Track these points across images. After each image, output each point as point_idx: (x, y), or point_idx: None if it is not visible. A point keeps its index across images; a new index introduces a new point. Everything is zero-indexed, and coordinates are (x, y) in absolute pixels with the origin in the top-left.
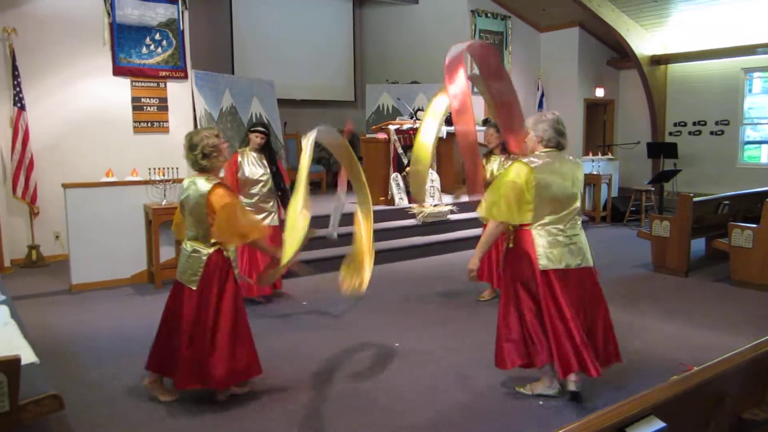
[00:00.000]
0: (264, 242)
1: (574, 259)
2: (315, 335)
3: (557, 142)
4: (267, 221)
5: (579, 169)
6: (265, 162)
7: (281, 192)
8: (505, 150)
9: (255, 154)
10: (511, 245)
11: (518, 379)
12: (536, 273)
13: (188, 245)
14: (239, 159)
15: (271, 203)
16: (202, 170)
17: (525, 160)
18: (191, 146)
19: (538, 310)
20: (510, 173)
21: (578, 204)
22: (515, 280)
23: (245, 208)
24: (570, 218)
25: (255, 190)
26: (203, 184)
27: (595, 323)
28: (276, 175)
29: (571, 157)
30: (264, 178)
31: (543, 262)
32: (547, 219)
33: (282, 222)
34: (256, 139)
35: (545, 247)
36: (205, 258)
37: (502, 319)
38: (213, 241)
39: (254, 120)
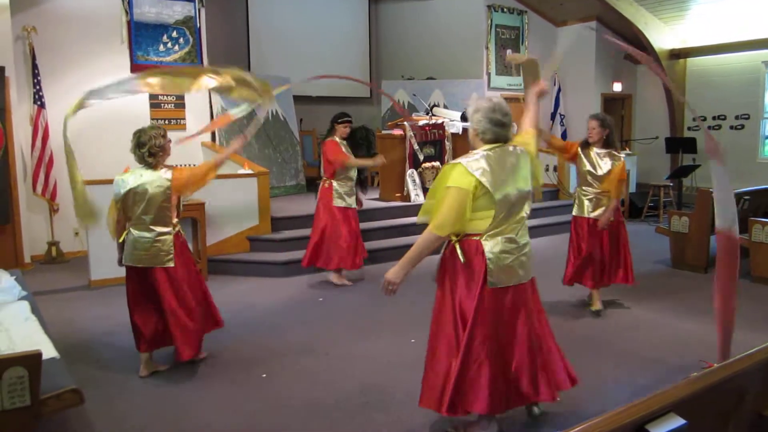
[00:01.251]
0: (219, 162)
1: (526, 273)
2: (330, 330)
3: (496, 135)
4: (354, 204)
5: (526, 161)
6: (350, 151)
7: (361, 180)
8: (607, 144)
9: (344, 143)
10: (462, 259)
11: None
12: (479, 291)
13: (148, 233)
14: (339, 144)
15: (356, 188)
16: (148, 165)
17: (464, 161)
18: (139, 144)
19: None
20: (451, 177)
21: (528, 208)
22: (452, 297)
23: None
24: (522, 224)
25: (350, 174)
26: (159, 176)
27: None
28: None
29: (513, 148)
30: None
31: (492, 279)
32: (497, 227)
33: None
34: (344, 129)
35: (496, 260)
36: (172, 238)
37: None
38: (175, 221)
39: (270, 117)
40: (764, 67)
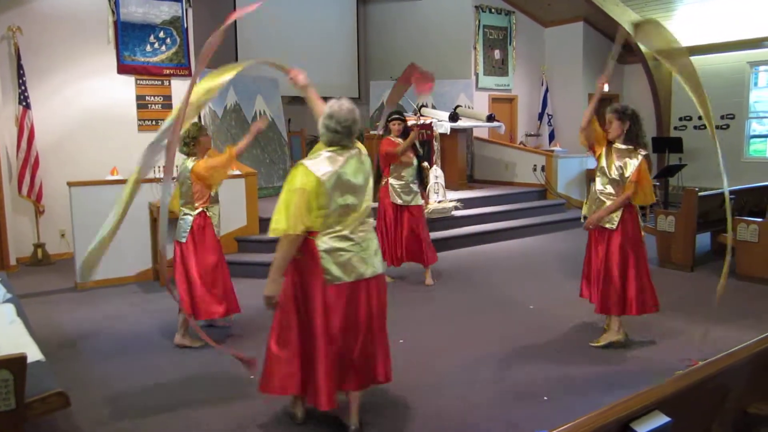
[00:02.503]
0: (241, 148)
1: (367, 269)
2: None
3: (331, 140)
4: (414, 202)
5: (365, 166)
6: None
7: (421, 179)
8: (629, 139)
9: (401, 141)
10: (298, 255)
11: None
12: (319, 287)
13: (180, 212)
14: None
15: (416, 185)
16: (187, 154)
17: (306, 162)
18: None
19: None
20: (295, 178)
21: (369, 204)
22: (294, 293)
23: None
24: (360, 222)
25: (405, 173)
26: (185, 165)
27: (372, 343)
28: (419, 160)
29: (355, 152)
30: (413, 163)
31: (328, 277)
32: (335, 226)
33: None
34: (396, 127)
35: (332, 257)
36: (192, 219)
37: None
38: (197, 205)
39: (258, 118)
40: (749, 68)
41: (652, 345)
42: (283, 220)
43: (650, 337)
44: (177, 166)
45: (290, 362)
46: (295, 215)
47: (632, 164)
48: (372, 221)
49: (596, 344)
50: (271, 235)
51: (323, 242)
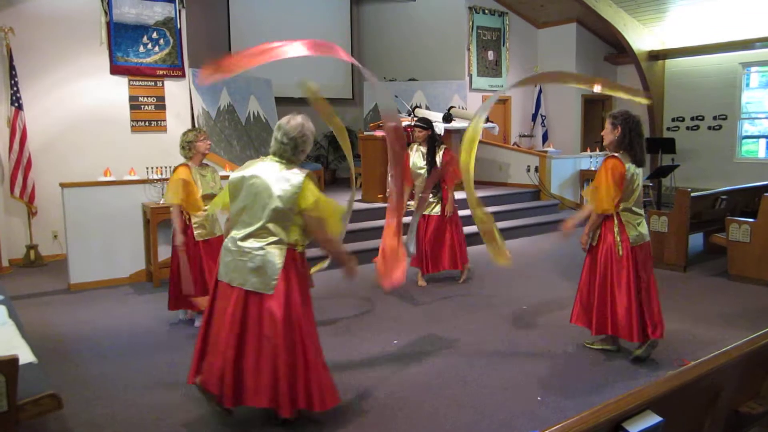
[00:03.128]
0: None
1: (240, 278)
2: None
3: (272, 150)
4: (428, 211)
5: (282, 182)
6: (426, 157)
7: (435, 187)
8: (623, 148)
9: (423, 149)
10: None
11: (521, 375)
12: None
13: None
14: (409, 151)
15: (433, 195)
16: (185, 157)
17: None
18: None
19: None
20: None
21: (266, 221)
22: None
23: (188, 182)
24: (251, 231)
25: (418, 181)
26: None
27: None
28: (431, 170)
29: (281, 168)
30: (421, 171)
31: (220, 270)
32: (232, 225)
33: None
34: (416, 133)
35: (222, 255)
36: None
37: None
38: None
39: (252, 119)
40: (741, 69)
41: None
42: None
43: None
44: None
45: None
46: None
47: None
48: (270, 241)
49: (590, 345)
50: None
51: (227, 239)
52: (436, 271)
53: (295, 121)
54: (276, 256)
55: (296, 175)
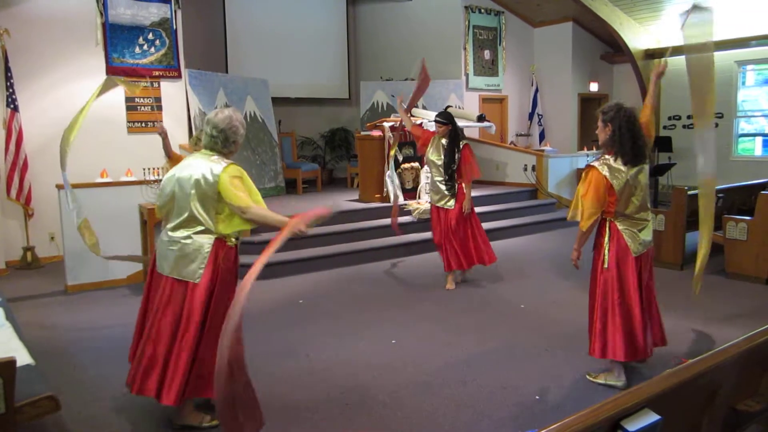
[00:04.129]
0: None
1: (166, 265)
2: (311, 332)
3: (206, 143)
4: (441, 203)
5: (208, 177)
6: (444, 149)
7: (449, 180)
8: (613, 146)
9: (444, 141)
10: None
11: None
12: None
13: None
14: (431, 140)
15: (446, 188)
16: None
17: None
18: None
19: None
20: None
21: (192, 211)
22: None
23: None
24: (180, 222)
25: (435, 171)
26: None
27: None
28: (448, 163)
29: (209, 163)
30: (438, 162)
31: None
32: (165, 216)
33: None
34: (438, 128)
35: (158, 243)
36: None
37: None
38: None
39: (249, 119)
40: (737, 67)
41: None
42: None
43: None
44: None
45: None
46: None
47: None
48: (197, 231)
49: (593, 378)
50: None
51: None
52: (469, 267)
53: (222, 114)
54: (203, 245)
55: (217, 165)
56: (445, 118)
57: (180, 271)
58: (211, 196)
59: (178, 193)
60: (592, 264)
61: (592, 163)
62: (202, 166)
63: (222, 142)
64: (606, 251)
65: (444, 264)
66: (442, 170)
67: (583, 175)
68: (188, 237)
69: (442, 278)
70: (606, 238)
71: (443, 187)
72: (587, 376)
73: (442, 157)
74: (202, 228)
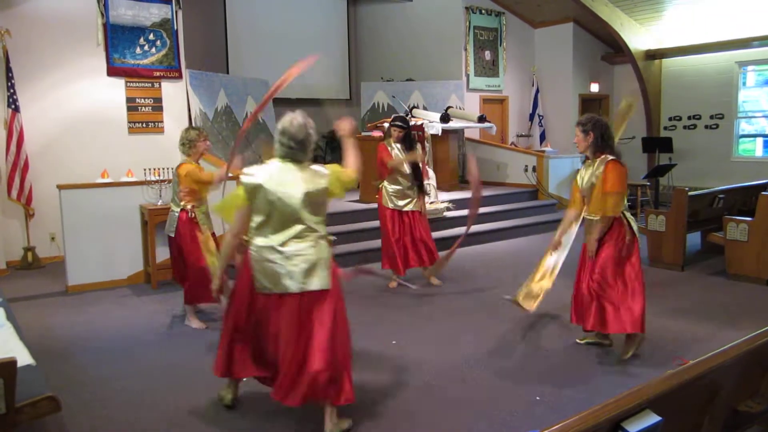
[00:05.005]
0: (222, 176)
1: (294, 284)
2: None
3: (283, 153)
4: (409, 207)
5: (315, 182)
6: (405, 154)
7: (418, 183)
8: (598, 150)
9: (399, 146)
10: (238, 259)
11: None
12: (241, 288)
13: (170, 206)
14: (389, 148)
15: (413, 191)
16: (185, 155)
17: (248, 169)
18: (183, 143)
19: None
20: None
21: (309, 219)
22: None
23: (202, 171)
24: (293, 236)
25: (402, 178)
26: (177, 166)
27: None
28: (415, 168)
29: (306, 167)
30: (406, 170)
31: (257, 285)
32: (262, 233)
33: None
34: (394, 132)
35: (259, 266)
36: (177, 215)
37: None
38: (183, 203)
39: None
40: (738, 68)
41: (644, 343)
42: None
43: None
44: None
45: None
46: (234, 218)
47: (598, 174)
48: (318, 236)
49: (583, 341)
50: (215, 209)
51: (253, 249)
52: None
53: (297, 121)
54: (324, 250)
55: (320, 173)
56: (403, 123)
57: (313, 281)
58: (323, 202)
59: (283, 210)
60: (607, 251)
61: (610, 160)
62: (304, 179)
63: (302, 152)
64: (632, 236)
65: (399, 267)
66: (410, 175)
67: (605, 171)
68: (311, 246)
69: (442, 279)
70: (627, 227)
71: (411, 192)
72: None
73: (407, 164)
74: (318, 233)
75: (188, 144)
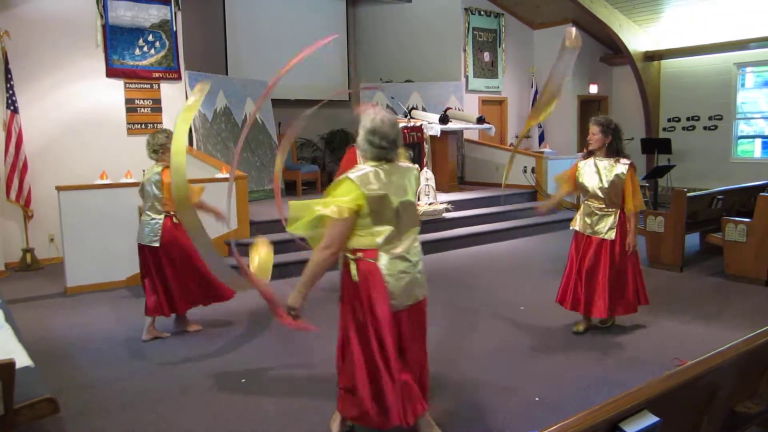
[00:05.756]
0: (202, 205)
1: (421, 291)
2: (310, 336)
3: (376, 155)
4: None
5: (412, 178)
6: None
7: None
8: (611, 152)
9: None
10: (355, 278)
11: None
12: (385, 312)
13: (145, 217)
14: (357, 154)
15: None
16: (156, 160)
17: (352, 176)
18: (154, 150)
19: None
20: (338, 192)
21: (416, 226)
22: (356, 320)
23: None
24: (414, 240)
25: None
26: (153, 171)
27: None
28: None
29: (400, 165)
30: None
31: (393, 301)
32: (389, 243)
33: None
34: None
35: (394, 282)
36: (161, 223)
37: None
38: (165, 209)
39: (248, 120)
40: (736, 69)
41: (640, 344)
42: (318, 231)
43: (638, 336)
44: (144, 170)
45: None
46: (331, 233)
47: (624, 175)
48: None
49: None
50: (289, 228)
51: (383, 263)
52: None
53: (387, 119)
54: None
55: (407, 164)
56: None
57: (424, 289)
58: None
59: (405, 215)
60: (609, 244)
61: (627, 165)
62: (407, 178)
63: (395, 151)
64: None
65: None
66: None
67: (630, 174)
68: (420, 248)
69: (440, 280)
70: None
71: None
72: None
73: None
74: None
75: (160, 149)
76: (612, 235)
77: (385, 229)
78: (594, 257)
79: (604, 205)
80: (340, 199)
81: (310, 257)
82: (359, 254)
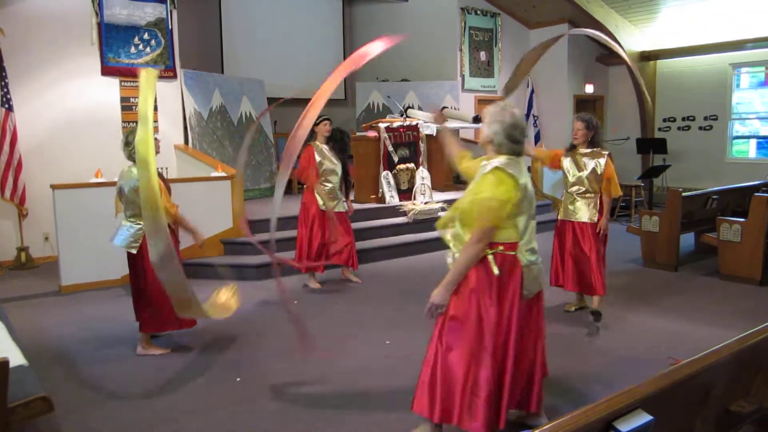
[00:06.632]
0: (183, 221)
1: (541, 282)
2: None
3: (511, 150)
4: (338, 208)
5: (525, 168)
6: (334, 154)
7: (346, 183)
8: (591, 144)
9: (326, 147)
10: (496, 272)
11: None
12: (514, 303)
13: (126, 221)
14: (314, 152)
15: (341, 192)
16: (133, 161)
17: (508, 169)
18: (127, 143)
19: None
20: (493, 185)
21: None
22: (480, 316)
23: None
24: (534, 231)
25: (332, 179)
26: (132, 175)
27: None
28: (343, 166)
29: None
30: (338, 169)
31: (525, 292)
32: (525, 236)
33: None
34: (324, 127)
35: (527, 272)
36: (142, 230)
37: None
38: None
39: (244, 120)
40: (731, 69)
41: (634, 343)
42: (469, 225)
43: (633, 335)
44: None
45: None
46: (485, 226)
47: (602, 162)
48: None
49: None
50: (438, 227)
51: (522, 255)
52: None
53: (517, 112)
54: None
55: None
56: (328, 116)
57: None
58: None
59: (532, 207)
60: (589, 230)
61: (606, 155)
62: (525, 172)
63: (523, 144)
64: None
65: (354, 264)
66: (339, 175)
67: (608, 164)
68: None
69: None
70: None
71: (340, 193)
72: (566, 309)
73: (338, 162)
74: None
75: (134, 149)
76: (594, 217)
77: (522, 221)
78: (581, 240)
79: (584, 191)
80: (501, 192)
81: (461, 254)
82: (500, 248)
